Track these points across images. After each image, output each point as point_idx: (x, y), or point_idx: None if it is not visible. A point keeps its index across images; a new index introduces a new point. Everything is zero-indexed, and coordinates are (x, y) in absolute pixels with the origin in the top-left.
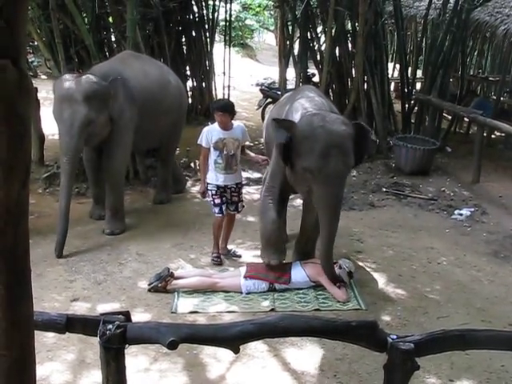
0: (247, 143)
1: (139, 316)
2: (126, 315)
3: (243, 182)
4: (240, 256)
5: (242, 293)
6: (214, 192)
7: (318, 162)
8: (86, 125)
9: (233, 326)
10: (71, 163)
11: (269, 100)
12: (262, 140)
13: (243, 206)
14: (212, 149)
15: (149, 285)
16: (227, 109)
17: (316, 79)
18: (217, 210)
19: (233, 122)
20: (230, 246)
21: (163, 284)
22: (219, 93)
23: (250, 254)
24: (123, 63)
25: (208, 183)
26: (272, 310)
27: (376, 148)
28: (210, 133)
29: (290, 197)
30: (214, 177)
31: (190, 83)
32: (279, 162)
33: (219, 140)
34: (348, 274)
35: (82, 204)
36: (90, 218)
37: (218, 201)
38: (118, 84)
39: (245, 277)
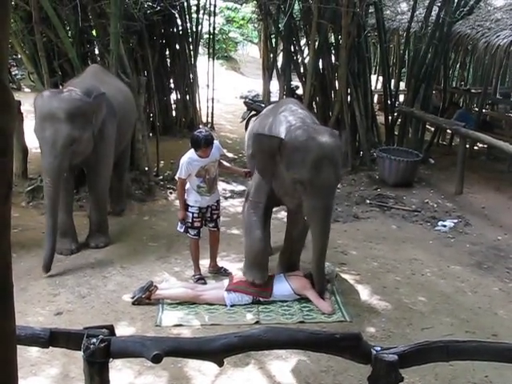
0: (224, 156)
1: (123, 329)
2: (110, 329)
3: (227, 195)
4: (231, 273)
5: (226, 305)
6: (195, 215)
7: (310, 173)
8: (70, 144)
9: (217, 339)
10: (54, 185)
11: (253, 112)
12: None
13: (220, 220)
14: (194, 177)
15: (132, 298)
16: (212, 139)
17: (300, 92)
18: (194, 232)
19: None
20: (220, 262)
21: (147, 294)
22: (203, 105)
23: (235, 267)
24: (98, 78)
25: (190, 206)
26: (256, 322)
27: (360, 160)
28: (191, 165)
29: (274, 209)
30: (199, 199)
31: (173, 96)
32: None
33: (201, 169)
34: (331, 277)
35: None
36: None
37: (197, 224)
38: (101, 100)
39: (227, 290)
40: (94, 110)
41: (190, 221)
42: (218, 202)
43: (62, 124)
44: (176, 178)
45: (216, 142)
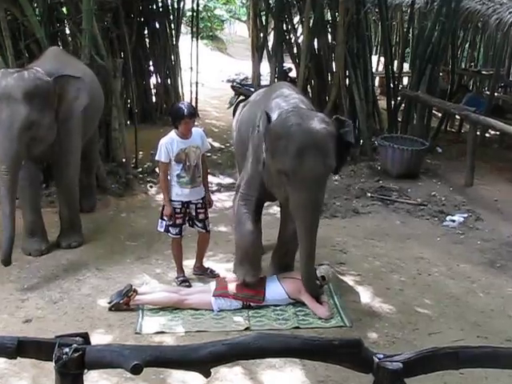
0: (208, 152)
1: (99, 338)
2: (85, 337)
3: (214, 188)
4: (218, 275)
5: (213, 310)
6: (177, 210)
7: (293, 162)
8: (28, 127)
9: (203, 347)
10: (11, 173)
11: (241, 98)
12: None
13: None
14: (173, 162)
15: (109, 303)
16: (195, 113)
17: (293, 74)
18: (176, 230)
19: None
20: (206, 263)
21: (125, 300)
22: (186, 90)
23: (223, 268)
24: (59, 61)
25: (171, 200)
26: (247, 328)
27: (359, 149)
28: (170, 145)
29: (266, 204)
30: (179, 192)
31: (153, 80)
32: (256, 165)
33: (180, 151)
34: (321, 278)
35: None
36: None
37: (179, 221)
38: (63, 81)
39: (214, 296)
40: (57, 91)
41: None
42: (203, 200)
43: (20, 105)
44: (156, 160)
45: (200, 130)
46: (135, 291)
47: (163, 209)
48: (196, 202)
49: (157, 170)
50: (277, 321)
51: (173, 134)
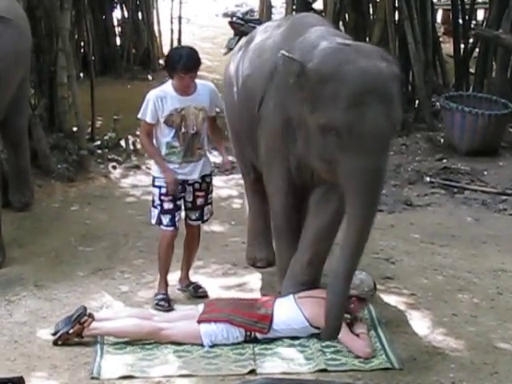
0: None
1: None
2: (19, 383)
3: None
4: (205, 294)
5: (202, 345)
6: (163, 191)
7: (348, 115)
8: None
9: None
10: None
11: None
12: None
13: (211, 213)
14: (162, 125)
15: (54, 334)
16: (197, 65)
17: (318, 6)
18: (166, 219)
19: (196, 80)
20: (193, 277)
21: (77, 329)
22: (165, 28)
23: (216, 285)
24: None
25: (154, 177)
26: (251, 371)
27: (414, 114)
28: (160, 100)
29: None
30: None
31: (117, 14)
32: (283, 146)
33: (174, 111)
34: (366, 293)
35: None
36: None
37: (168, 205)
38: None
39: (199, 321)
40: None
41: (158, 201)
42: (204, 178)
43: None
44: (139, 118)
45: (210, 84)
46: (91, 316)
47: (159, 190)
48: (192, 181)
49: (122, 143)
50: (294, 361)
51: (167, 86)
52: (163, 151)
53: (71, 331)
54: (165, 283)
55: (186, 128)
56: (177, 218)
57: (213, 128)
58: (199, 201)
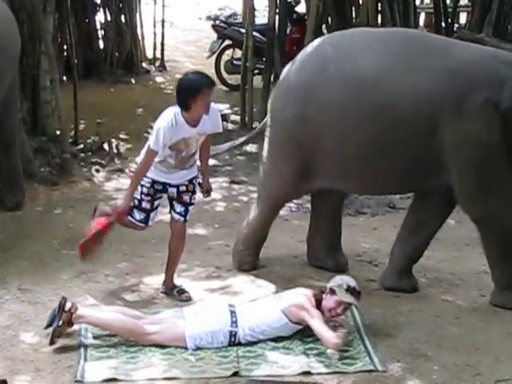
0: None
1: None
2: None
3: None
4: (189, 298)
5: (186, 348)
6: (145, 190)
7: None
8: None
9: None
10: None
11: (227, 42)
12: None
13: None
14: (166, 148)
15: (46, 328)
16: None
17: (301, 9)
18: (141, 216)
19: None
20: (177, 280)
21: (65, 317)
22: (148, 32)
23: (200, 287)
24: None
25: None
26: (235, 374)
27: None
28: (171, 131)
29: None
30: (153, 169)
31: (100, 17)
32: None
33: (182, 140)
34: (357, 295)
35: None
36: None
37: (146, 205)
38: None
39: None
40: None
41: (138, 197)
42: (191, 181)
43: None
44: (149, 147)
45: (217, 108)
46: (74, 306)
47: (141, 188)
48: (176, 184)
49: (105, 146)
50: (278, 363)
51: (177, 115)
52: (156, 159)
53: (60, 323)
54: None
55: (187, 152)
56: (151, 217)
57: (204, 143)
58: (185, 197)
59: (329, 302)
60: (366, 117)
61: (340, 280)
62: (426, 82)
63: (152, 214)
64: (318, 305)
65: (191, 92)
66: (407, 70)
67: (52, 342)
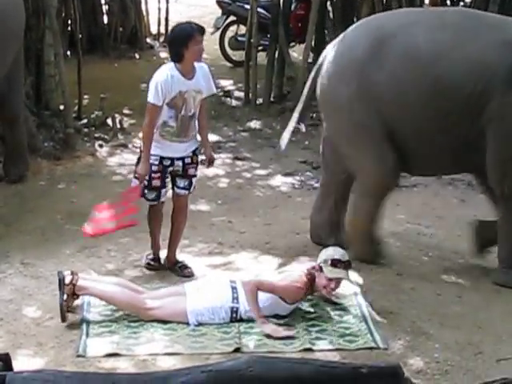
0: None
1: (26, 361)
2: (5, 360)
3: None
4: (192, 274)
5: (188, 324)
6: (154, 168)
7: None
8: None
9: (174, 375)
10: None
11: (231, 18)
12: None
13: (194, 187)
14: (164, 106)
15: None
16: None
17: None
18: (152, 195)
19: None
20: (179, 255)
21: (68, 290)
22: (152, 7)
23: (203, 263)
24: None
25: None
26: (237, 350)
27: None
28: (168, 83)
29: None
30: (158, 144)
31: None
32: None
33: (178, 94)
34: (344, 265)
35: None
36: None
37: (157, 182)
38: None
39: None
40: None
41: (148, 177)
42: (194, 152)
43: None
44: (149, 103)
45: (205, 65)
46: (73, 273)
47: (138, 163)
48: (185, 156)
49: (109, 121)
50: (279, 340)
51: (172, 69)
52: (157, 130)
53: (65, 297)
54: (157, 245)
55: (185, 110)
56: (162, 193)
57: (200, 111)
58: (190, 170)
59: (321, 279)
60: (424, 91)
61: (324, 255)
62: (481, 55)
63: (163, 191)
64: (313, 282)
65: (183, 39)
66: (463, 43)
67: (64, 319)
